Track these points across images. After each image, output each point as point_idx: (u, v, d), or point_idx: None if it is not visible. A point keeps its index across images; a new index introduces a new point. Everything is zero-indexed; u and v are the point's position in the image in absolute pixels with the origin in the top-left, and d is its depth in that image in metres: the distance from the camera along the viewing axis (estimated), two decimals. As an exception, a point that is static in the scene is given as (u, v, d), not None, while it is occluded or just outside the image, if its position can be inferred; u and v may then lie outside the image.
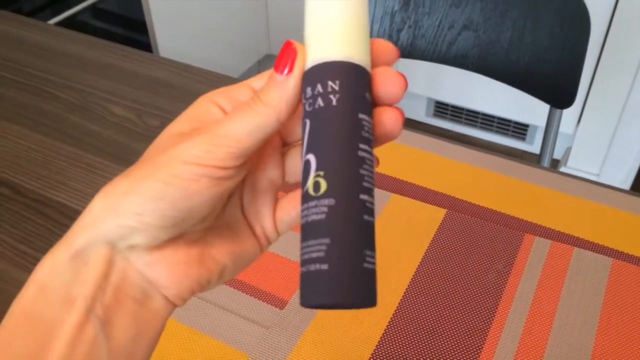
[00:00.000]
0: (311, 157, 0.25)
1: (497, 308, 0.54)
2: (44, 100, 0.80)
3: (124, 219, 0.24)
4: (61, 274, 0.24)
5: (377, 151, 0.27)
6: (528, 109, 1.76)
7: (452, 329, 0.52)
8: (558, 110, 0.97)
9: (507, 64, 0.95)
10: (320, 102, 0.25)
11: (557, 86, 0.94)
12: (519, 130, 1.88)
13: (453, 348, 0.51)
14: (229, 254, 0.29)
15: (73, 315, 0.24)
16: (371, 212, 0.25)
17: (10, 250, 0.59)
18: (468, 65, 0.98)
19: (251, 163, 0.29)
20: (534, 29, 0.92)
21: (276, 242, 0.60)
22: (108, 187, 0.26)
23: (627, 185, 1.68)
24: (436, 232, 0.61)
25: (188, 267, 0.27)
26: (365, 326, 0.53)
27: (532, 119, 1.78)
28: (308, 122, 0.26)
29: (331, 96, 0.25)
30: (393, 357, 0.51)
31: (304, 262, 0.24)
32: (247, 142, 0.25)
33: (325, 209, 0.24)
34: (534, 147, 1.88)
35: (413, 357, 0.50)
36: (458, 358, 0.50)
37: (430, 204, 0.64)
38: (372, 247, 0.24)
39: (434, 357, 0.50)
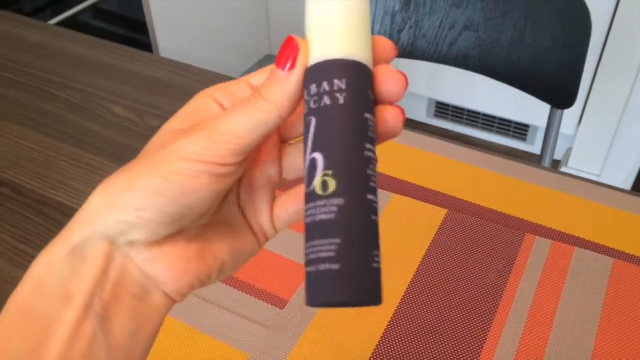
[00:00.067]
0: (318, 156, 0.25)
1: (497, 307, 0.54)
2: (45, 100, 0.80)
3: (123, 214, 0.24)
4: (59, 269, 0.24)
5: (378, 150, 0.27)
6: (529, 109, 1.76)
7: (453, 329, 0.52)
8: (559, 111, 0.97)
9: (508, 64, 0.95)
10: (326, 100, 0.25)
11: (558, 86, 0.94)
12: (520, 130, 1.88)
13: (453, 347, 0.51)
14: (228, 249, 0.28)
15: (71, 311, 0.24)
16: (376, 212, 0.25)
17: (10, 249, 0.59)
18: (469, 66, 0.98)
19: (249, 159, 0.29)
20: (535, 29, 0.92)
21: (277, 242, 0.60)
22: (106, 182, 0.25)
23: (627, 185, 1.68)
24: (436, 232, 0.61)
25: (187, 263, 0.27)
26: (365, 326, 0.53)
27: (532, 119, 1.78)
28: (313, 119, 0.25)
29: (338, 94, 0.25)
30: (393, 356, 0.51)
31: (311, 262, 0.24)
32: (247, 139, 0.25)
33: (335, 209, 0.24)
34: (535, 147, 1.88)
35: (413, 357, 0.50)
36: (458, 358, 0.50)
37: (431, 203, 0.64)
38: (378, 247, 0.25)
39: (434, 357, 0.50)
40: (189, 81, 0.84)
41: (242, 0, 1.95)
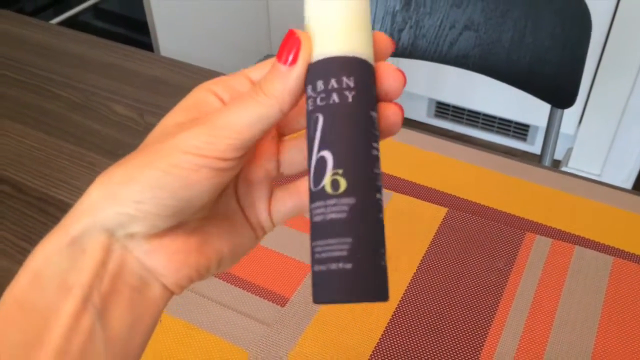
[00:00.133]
0: (327, 154, 0.25)
1: (498, 306, 0.54)
2: (46, 99, 0.81)
3: (122, 206, 0.24)
4: (57, 261, 0.24)
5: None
6: (529, 109, 1.76)
7: (453, 327, 0.52)
8: (559, 110, 0.97)
9: (508, 64, 0.95)
10: (335, 97, 0.25)
11: (558, 86, 0.94)
12: (520, 130, 1.88)
13: (454, 346, 0.51)
14: (227, 242, 0.28)
15: (69, 304, 0.24)
16: (382, 210, 0.25)
17: (12, 247, 0.60)
18: (469, 65, 0.99)
19: (248, 153, 0.29)
20: (535, 29, 0.92)
21: (278, 240, 0.60)
22: (106, 174, 0.25)
23: (628, 185, 1.68)
24: (437, 230, 0.61)
25: (187, 256, 0.26)
26: (366, 323, 0.53)
27: (533, 119, 1.78)
28: (321, 117, 0.25)
29: (346, 93, 0.25)
30: (394, 354, 0.51)
31: (322, 260, 0.24)
32: (247, 134, 0.25)
33: (346, 208, 0.24)
34: (535, 147, 1.88)
35: (414, 355, 0.51)
36: (459, 356, 0.50)
37: (431, 202, 0.64)
38: (385, 245, 0.25)
39: (435, 354, 0.51)
40: (189, 80, 0.84)
41: (243, 0, 1.96)
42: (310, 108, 0.26)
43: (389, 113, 0.26)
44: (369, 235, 0.24)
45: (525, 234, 0.60)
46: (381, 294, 0.24)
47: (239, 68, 0.28)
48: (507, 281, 0.56)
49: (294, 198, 0.29)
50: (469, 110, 1.92)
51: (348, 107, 0.25)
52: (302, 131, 0.30)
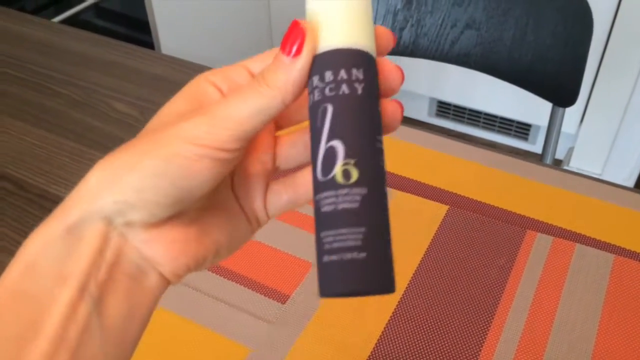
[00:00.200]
0: (337, 144, 0.25)
1: (498, 304, 0.54)
2: (47, 96, 0.81)
3: (122, 194, 0.24)
4: (52, 250, 0.24)
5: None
6: (530, 108, 1.75)
7: (454, 325, 0.52)
8: (560, 109, 0.97)
9: (510, 62, 0.95)
10: (345, 88, 0.25)
11: (560, 84, 0.94)
12: (522, 130, 1.88)
13: (454, 343, 0.51)
14: (225, 233, 0.28)
15: (66, 293, 0.23)
16: (388, 202, 0.26)
17: (13, 244, 0.60)
18: (470, 64, 0.98)
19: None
20: (537, 27, 0.92)
21: (279, 238, 0.60)
22: (105, 161, 0.25)
23: (629, 185, 1.68)
24: (438, 228, 0.61)
25: (185, 245, 0.26)
26: (367, 321, 0.53)
27: (534, 118, 1.78)
28: (330, 107, 0.25)
29: (356, 85, 0.25)
30: (395, 351, 0.51)
31: (332, 251, 0.24)
32: (248, 125, 0.25)
33: (359, 198, 0.24)
34: (537, 147, 1.88)
35: (415, 352, 0.50)
36: (459, 354, 0.50)
37: (433, 200, 0.64)
38: (391, 236, 0.25)
39: (435, 352, 0.50)
40: (190, 78, 0.83)
41: (245, 0, 1.96)
42: (318, 98, 0.26)
43: (390, 109, 0.27)
44: (380, 225, 0.24)
45: (526, 231, 0.60)
46: (391, 285, 0.24)
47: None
48: (507, 279, 0.56)
49: (289, 191, 0.29)
50: (470, 110, 1.92)
51: (358, 98, 0.25)
52: (295, 127, 0.30)
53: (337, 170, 0.25)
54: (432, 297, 0.55)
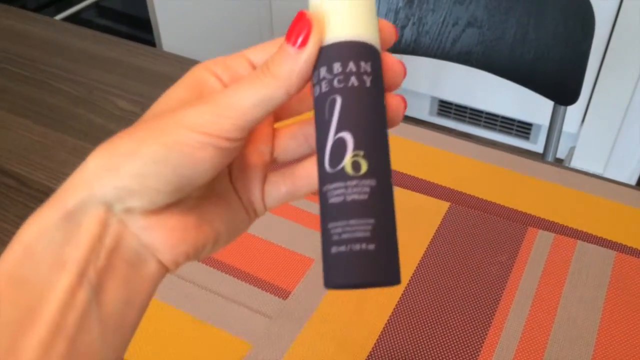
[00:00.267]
0: (347, 135, 0.25)
1: (499, 300, 0.54)
2: (49, 93, 0.81)
3: (122, 180, 0.23)
4: (51, 235, 0.23)
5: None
6: (532, 108, 1.75)
7: (455, 321, 0.52)
8: (562, 108, 0.97)
9: (511, 60, 0.95)
10: (354, 80, 0.25)
11: (561, 83, 0.94)
12: (523, 129, 1.88)
13: (456, 339, 0.51)
14: (223, 221, 0.28)
15: (64, 279, 0.23)
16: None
17: (15, 240, 0.60)
18: (472, 62, 0.99)
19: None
20: (538, 26, 0.92)
21: (281, 234, 0.60)
22: (106, 146, 0.24)
23: (631, 184, 1.68)
24: (439, 225, 0.61)
25: (184, 233, 0.26)
26: (368, 316, 0.53)
27: (536, 118, 1.78)
28: (339, 98, 0.25)
29: (365, 77, 0.25)
30: (396, 346, 0.51)
31: (341, 242, 0.24)
32: (251, 115, 0.25)
33: (368, 189, 0.24)
34: (538, 146, 1.88)
35: (417, 347, 0.51)
36: (460, 350, 0.50)
37: (434, 197, 0.64)
38: (396, 228, 0.26)
39: (436, 348, 0.51)
40: (193, 76, 0.84)
41: (246, -2, 1.96)
42: (325, 90, 0.25)
43: (394, 103, 0.27)
44: (388, 217, 0.25)
45: (527, 228, 0.60)
46: (397, 277, 0.25)
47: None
48: (509, 275, 0.56)
49: (288, 183, 0.29)
50: (472, 109, 1.92)
51: (367, 91, 0.25)
52: (295, 119, 0.30)
53: (347, 161, 0.25)
54: (433, 293, 0.55)
